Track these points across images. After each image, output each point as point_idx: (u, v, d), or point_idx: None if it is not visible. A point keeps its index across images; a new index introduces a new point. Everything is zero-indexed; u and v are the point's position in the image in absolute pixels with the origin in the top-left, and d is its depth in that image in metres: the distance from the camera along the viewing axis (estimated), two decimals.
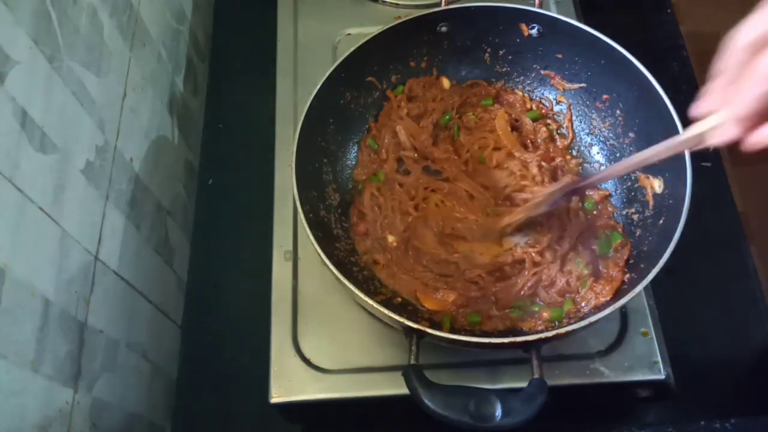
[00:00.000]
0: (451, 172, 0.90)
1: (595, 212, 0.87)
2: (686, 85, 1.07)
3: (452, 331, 0.77)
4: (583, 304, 0.78)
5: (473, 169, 0.92)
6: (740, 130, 0.54)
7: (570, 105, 0.93)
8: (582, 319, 0.68)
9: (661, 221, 0.78)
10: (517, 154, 0.90)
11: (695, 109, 0.59)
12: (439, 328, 0.76)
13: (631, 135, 0.87)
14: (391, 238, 0.85)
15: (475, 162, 0.92)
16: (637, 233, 0.82)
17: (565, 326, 0.68)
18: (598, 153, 0.92)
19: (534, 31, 0.90)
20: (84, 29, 0.75)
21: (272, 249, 0.88)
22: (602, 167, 0.91)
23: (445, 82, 0.96)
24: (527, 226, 0.85)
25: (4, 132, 0.59)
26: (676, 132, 0.76)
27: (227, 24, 1.22)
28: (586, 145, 0.93)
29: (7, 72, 0.59)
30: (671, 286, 0.83)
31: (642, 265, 0.75)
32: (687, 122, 0.75)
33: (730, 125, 0.55)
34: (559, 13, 0.94)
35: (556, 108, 0.94)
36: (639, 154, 0.69)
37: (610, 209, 0.87)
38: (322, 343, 0.83)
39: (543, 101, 0.95)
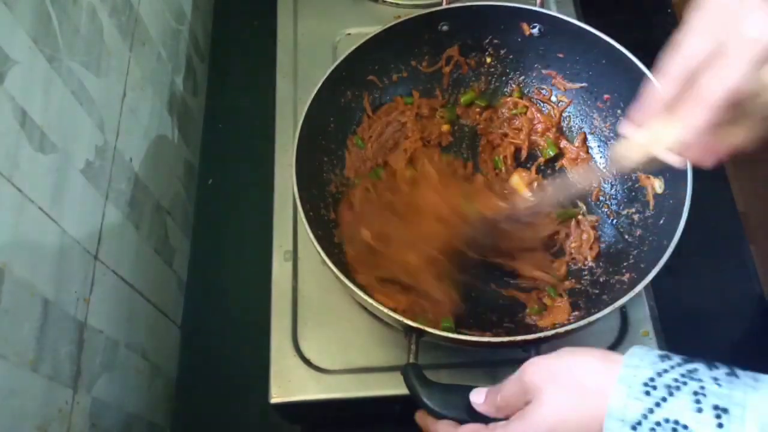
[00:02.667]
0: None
1: None
2: None
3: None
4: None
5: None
6: (688, 159, 0.57)
7: (571, 101, 0.93)
8: (582, 318, 0.68)
9: (661, 221, 0.78)
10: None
11: (626, 127, 0.61)
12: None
13: None
14: (365, 233, 0.84)
15: None
16: (638, 233, 0.82)
17: (565, 326, 0.68)
18: (598, 153, 0.91)
19: (535, 31, 0.90)
20: (84, 29, 0.75)
21: (272, 249, 0.88)
22: (603, 167, 0.91)
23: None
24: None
25: (4, 132, 0.59)
26: None
27: (227, 24, 1.22)
28: (588, 144, 0.92)
29: (6, 72, 0.59)
30: (671, 286, 0.83)
31: (642, 265, 0.75)
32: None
33: (675, 153, 0.57)
34: (559, 12, 0.94)
35: (553, 99, 0.94)
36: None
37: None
38: (322, 343, 0.82)
39: (542, 90, 0.95)
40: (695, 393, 0.46)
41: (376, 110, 0.94)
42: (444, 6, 0.90)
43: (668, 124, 0.56)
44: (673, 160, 0.57)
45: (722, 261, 0.95)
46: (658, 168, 0.68)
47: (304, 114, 0.81)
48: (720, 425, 0.44)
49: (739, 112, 0.52)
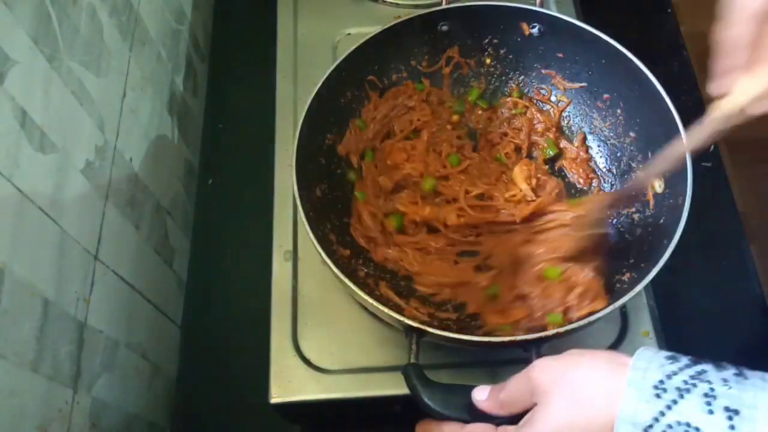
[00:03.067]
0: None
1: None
2: (686, 85, 1.07)
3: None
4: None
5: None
6: None
7: (571, 101, 0.93)
8: (582, 318, 0.68)
9: (661, 221, 0.78)
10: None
11: (716, 87, 0.59)
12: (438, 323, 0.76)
13: (632, 134, 0.87)
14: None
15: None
16: (638, 233, 0.82)
17: (565, 326, 0.68)
18: (598, 153, 0.91)
19: (535, 30, 0.90)
20: (83, 29, 0.75)
21: (272, 249, 0.88)
22: (604, 166, 0.91)
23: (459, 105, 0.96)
24: None
25: (4, 132, 0.59)
26: (677, 131, 0.76)
27: (227, 23, 1.22)
28: (588, 144, 0.92)
29: (6, 72, 0.59)
30: (672, 286, 0.83)
31: (642, 265, 0.75)
32: (687, 121, 0.76)
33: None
34: (559, 12, 0.94)
35: (553, 99, 0.94)
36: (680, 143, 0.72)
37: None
38: (322, 343, 0.82)
39: (542, 90, 0.95)
40: (705, 395, 0.46)
41: (383, 93, 0.94)
42: (444, 6, 0.90)
43: (752, 75, 0.56)
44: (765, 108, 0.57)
45: (722, 261, 0.95)
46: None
47: (304, 114, 0.81)
48: (732, 427, 0.44)
49: None
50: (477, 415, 0.61)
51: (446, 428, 0.62)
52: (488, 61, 0.96)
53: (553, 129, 0.93)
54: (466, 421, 0.61)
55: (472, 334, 0.73)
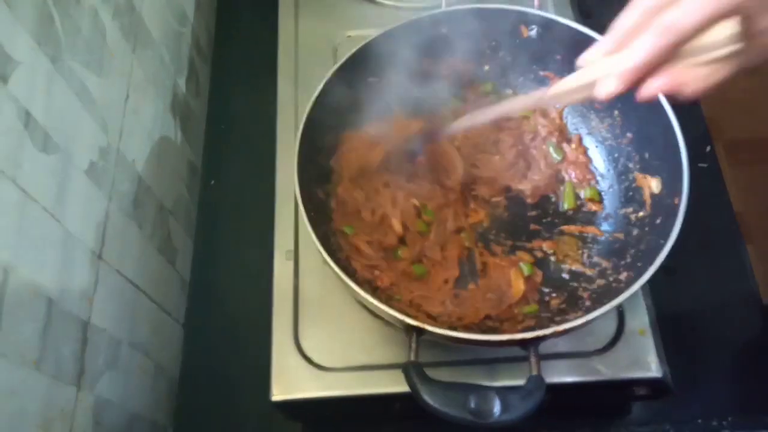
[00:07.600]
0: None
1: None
2: None
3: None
4: None
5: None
6: (623, 84, 0.56)
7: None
8: (580, 317, 0.69)
9: (658, 221, 0.78)
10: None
11: (581, 59, 0.60)
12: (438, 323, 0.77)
13: (629, 135, 0.87)
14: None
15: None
16: (635, 232, 0.82)
17: (563, 324, 0.68)
18: (596, 153, 0.92)
19: (533, 33, 0.90)
20: (86, 30, 0.75)
21: (274, 248, 0.89)
22: (602, 167, 0.91)
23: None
24: None
25: (7, 132, 0.60)
26: (673, 132, 0.76)
27: (229, 25, 1.23)
28: (585, 145, 0.93)
29: (9, 73, 0.60)
30: (668, 286, 0.83)
31: (639, 264, 0.76)
32: (686, 123, 0.76)
33: (614, 78, 0.56)
34: (557, 14, 0.95)
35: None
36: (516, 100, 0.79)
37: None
38: (323, 341, 0.83)
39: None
40: None
41: None
42: (443, 9, 0.90)
43: (620, 54, 0.57)
44: (610, 85, 0.57)
45: (719, 260, 0.96)
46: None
47: (305, 115, 0.82)
48: None
49: (678, 55, 0.54)
50: (477, 415, 0.62)
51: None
52: (487, 64, 0.96)
53: (556, 133, 0.94)
54: (467, 420, 0.62)
55: (471, 332, 0.74)
